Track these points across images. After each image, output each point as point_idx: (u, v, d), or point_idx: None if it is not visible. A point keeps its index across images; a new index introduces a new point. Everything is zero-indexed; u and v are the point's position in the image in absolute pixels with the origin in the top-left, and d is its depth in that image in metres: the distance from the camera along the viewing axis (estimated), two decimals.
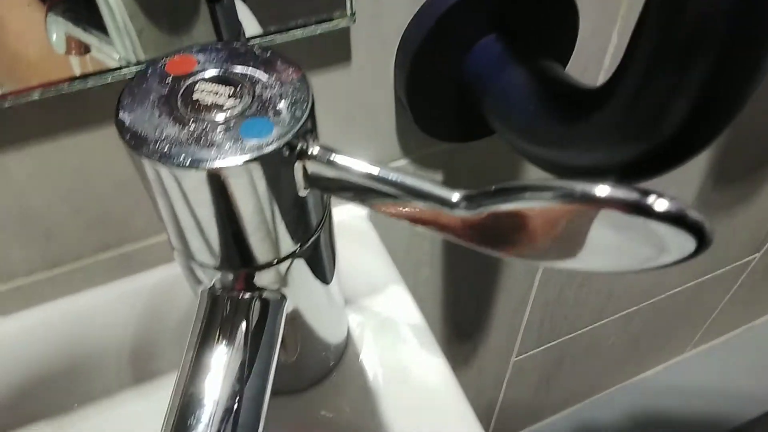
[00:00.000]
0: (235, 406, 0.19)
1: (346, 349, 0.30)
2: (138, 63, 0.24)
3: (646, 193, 0.15)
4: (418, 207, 0.19)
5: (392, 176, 0.18)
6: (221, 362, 0.19)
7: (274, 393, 0.28)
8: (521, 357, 0.68)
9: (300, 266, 0.22)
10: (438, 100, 0.31)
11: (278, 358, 0.27)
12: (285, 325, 0.25)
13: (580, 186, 0.15)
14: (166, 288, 0.32)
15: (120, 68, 0.24)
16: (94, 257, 0.30)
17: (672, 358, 0.94)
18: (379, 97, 0.31)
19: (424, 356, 0.30)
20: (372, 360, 0.30)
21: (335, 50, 0.28)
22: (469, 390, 0.69)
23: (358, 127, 0.32)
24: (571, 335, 0.69)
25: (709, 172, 0.54)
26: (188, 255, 0.20)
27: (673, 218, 0.15)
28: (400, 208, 0.19)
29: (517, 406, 0.80)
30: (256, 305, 0.21)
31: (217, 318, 0.20)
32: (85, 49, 0.24)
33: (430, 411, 0.28)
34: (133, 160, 0.18)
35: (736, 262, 0.74)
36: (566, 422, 0.89)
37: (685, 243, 0.15)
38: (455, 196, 0.17)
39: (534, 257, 0.18)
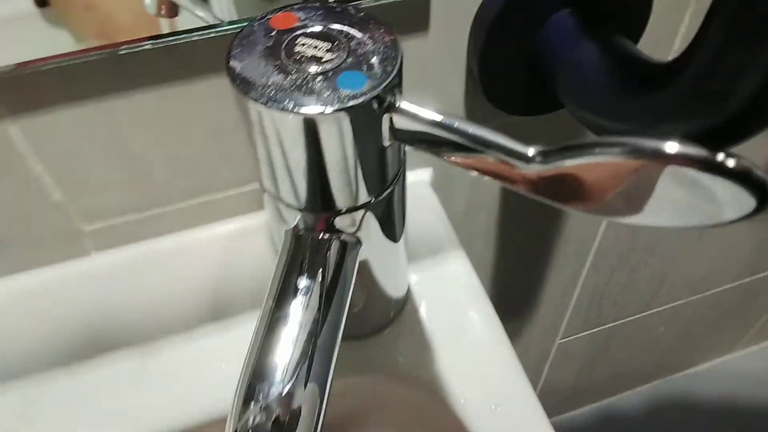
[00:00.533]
0: (315, 334, 0.21)
1: (405, 304, 0.32)
2: (231, 23, 0.26)
3: (714, 150, 0.16)
4: (490, 159, 0.20)
5: (471, 129, 0.20)
6: (302, 294, 0.22)
7: None
8: (566, 340, 0.68)
9: (374, 216, 0.24)
10: (509, 73, 0.32)
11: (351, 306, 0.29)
12: (359, 276, 0.28)
13: (649, 142, 0.17)
14: (244, 236, 0.35)
15: (215, 26, 0.26)
16: (182, 203, 0.33)
17: (720, 357, 0.93)
18: (451, 67, 0.32)
19: (479, 316, 0.32)
20: (429, 316, 0.32)
21: (415, 18, 0.29)
22: None
23: (428, 96, 0.33)
24: (618, 322, 0.69)
25: (766, 163, 0.53)
26: (277, 196, 0.23)
27: (738, 175, 0.16)
28: (472, 160, 0.21)
29: (558, 391, 0.81)
30: (334, 246, 0.23)
31: (299, 255, 0.23)
32: (173, 11, 0.26)
33: (482, 366, 0.30)
34: (240, 104, 0.20)
35: None
36: (605, 412, 0.89)
37: (747, 200, 0.16)
38: (531, 151, 0.19)
39: (600, 212, 0.19)
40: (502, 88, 0.33)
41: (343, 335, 0.31)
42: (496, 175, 0.21)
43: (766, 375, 0.94)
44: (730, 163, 0.16)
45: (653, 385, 0.91)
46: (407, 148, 0.23)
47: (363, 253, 0.26)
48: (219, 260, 0.34)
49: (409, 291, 0.32)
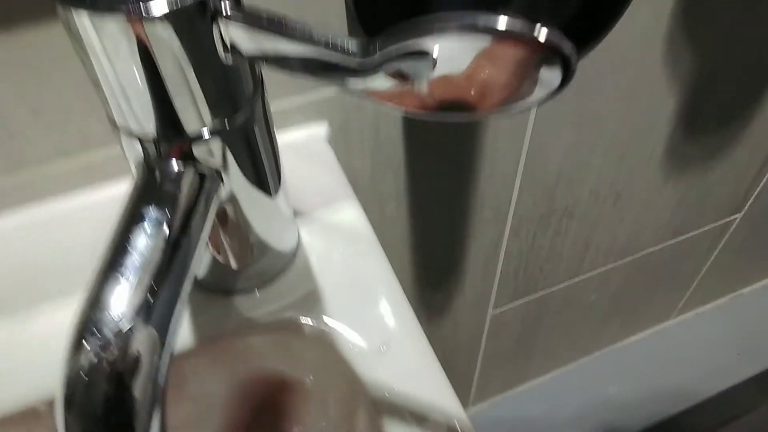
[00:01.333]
0: (163, 263, 0.20)
1: (295, 256, 0.31)
2: None
3: (532, 25, 0.16)
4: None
5: (301, 27, 0.19)
6: (148, 223, 0.21)
7: (220, 291, 0.30)
8: (499, 311, 0.69)
9: (234, 148, 0.23)
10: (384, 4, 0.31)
11: (226, 256, 0.28)
12: (229, 222, 0.27)
13: (482, 17, 0.17)
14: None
15: None
16: (58, 163, 0.32)
17: (655, 325, 0.95)
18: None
19: (370, 262, 0.31)
20: (320, 266, 0.31)
21: None
22: (447, 344, 0.70)
23: None
24: (548, 289, 0.70)
25: (678, 122, 0.54)
26: (123, 126, 0.22)
27: (549, 47, 0.16)
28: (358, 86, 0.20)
29: (500, 364, 0.81)
30: (188, 175, 0.22)
31: (148, 184, 0.22)
32: None
33: (371, 310, 0.29)
34: (63, 22, 0.19)
35: (714, 222, 0.75)
36: (550, 386, 0.90)
37: (555, 74, 0.16)
38: (362, 44, 0.18)
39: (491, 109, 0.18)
40: (378, 19, 0.32)
41: (230, 289, 0.30)
42: (381, 98, 0.20)
43: (703, 342, 0.96)
44: (542, 35, 0.16)
45: (594, 356, 0.92)
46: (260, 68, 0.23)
47: (235, 199, 0.25)
48: (101, 226, 0.33)
49: (300, 242, 0.32)
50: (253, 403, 0.32)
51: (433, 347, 0.73)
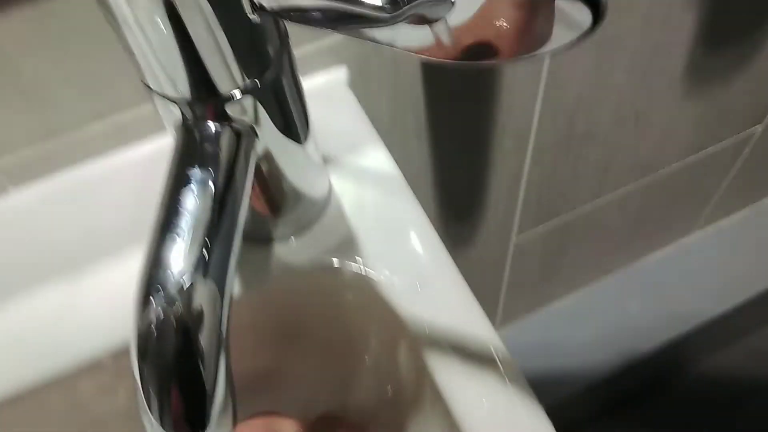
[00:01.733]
0: (212, 224, 0.21)
1: (327, 202, 0.32)
2: None
3: None
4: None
5: None
6: (195, 183, 0.21)
7: (258, 240, 0.31)
8: (522, 236, 0.70)
9: (266, 104, 0.24)
10: None
11: (263, 206, 0.29)
12: (265, 173, 0.27)
13: None
14: (160, 158, 0.34)
15: None
16: (92, 127, 0.32)
17: (675, 241, 0.96)
18: None
19: (401, 204, 0.32)
20: (351, 210, 0.32)
21: None
22: (473, 271, 0.72)
23: None
24: (570, 213, 0.70)
25: (699, 35, 0.53)
26: (158, 90, 0.22)
27: None
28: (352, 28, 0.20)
29: (524, 289, 0.83)
30: (226, 134, 0.23)
31: (189, 146, 0.22)
32: None
33: (406, 251, 0.31)
34: None
35: (736, 134, 0.74)
36: (573, 306, 0.93)
37: (585, 16, 0.16)
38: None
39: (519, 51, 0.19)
40: None
41: (267, 237, 0.31)
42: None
43: (722, 255, 0.97)
44: None
45: (614, 275, 0.94)
46: (285, 24, 0.23)
47: (266, 143, 0.26)
48: (138, 183, 0.34)
49: (330, 189, 0.33)
50: (297, 343, 0.34)
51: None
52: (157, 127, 0.34)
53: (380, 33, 0.21)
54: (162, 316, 0.19)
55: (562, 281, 0.88)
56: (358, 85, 0.39)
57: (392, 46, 0.21)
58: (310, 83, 0.37)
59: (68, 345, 0.29)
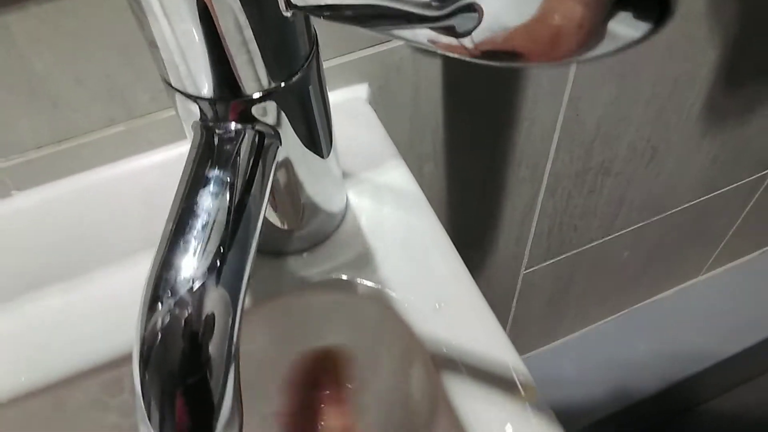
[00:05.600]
0: (228, 225, 0.20)
1: (344, 216, 0.31)
2: None
3: None
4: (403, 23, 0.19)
5: None
6: (213, 183, 0.21)
7: (272, 253, 0.30)
8: (531, 270, 0.69)
9: (289, 108, 0.23)
10: None
11: (279, 217, 0.28)
12: (283, 182, 0.27)
13: None
14: (172, 167, 0.33)
15: None
16: (101, 132, 0.32)
17: (684, 282, 0.95)
18: None
19: (420, 221, 0.31)
20: (369, 225, 0.31)
21: None
22: None
23: None
24: (581, 248, 0.69)
25: (719, 72, 0.53)
26: (180, 87, 0.21)
27: None
28: (388, 24, 0.20)
29: (530, 324, 0.82)
30: (248, 135, 0.22)
31: (208, 146, 0.21)
32: None
33: (424, 268, 0.29)
34: None
35: (749, 176, 0.73)
36: (580, 344, 0.91)
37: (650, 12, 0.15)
38: None
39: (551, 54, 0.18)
40: None
41: (281, 251, 0.30)
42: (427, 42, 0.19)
43: (730, 298, 0.95)
44: None
45: (623, 314, 0.92)
46: (314, 20, 0.22)
47: (287, 151, 0.25)
48: (148, 192, 0.33)
49: (348, 203, 0.32)
50: (307, 362, 0.32)
51: None
52: (170, 136, 0.33)
53: (412, 31, 0.20)
54: (170, 320, 0.18)
55: (569, 318, 0.86)
56: (379, 103, 0.38)
57: (418, 44, 0.20)
58: (332, 98, 0.36)
59: (66, 352, 0.28)
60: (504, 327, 0.79)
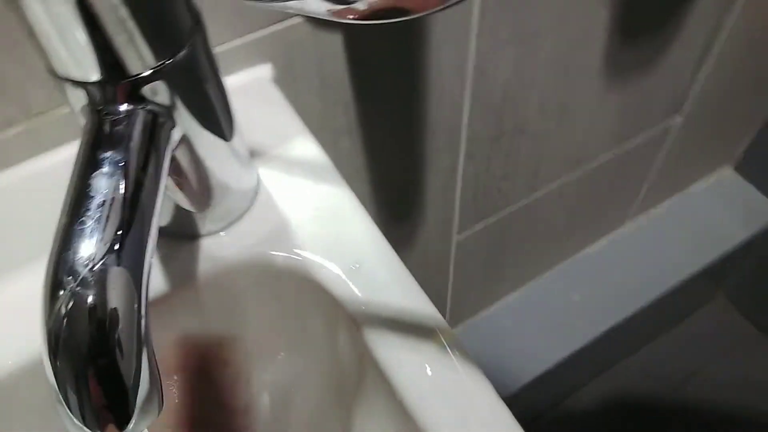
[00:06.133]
0: (127, 204, 0.20)
1: (257, 192, 0.32)
2: None
3: None
4: None
5: None
6: (106, 164, 0.21)
7: (187, 236, 0.30)
8: (463, 235, 0.71)
9: (182, 85, 0.23)
10: None
11: (189, 200, 0.29)
12: (188, 165, 0.27)
13: None
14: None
15: None
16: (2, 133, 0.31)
17: (612, 231, 0.99)
18: None
19: (332, 189, 0.32)
20: (281, 200, 0.32)
21: None
22: (416, 273, 0.72)
23: None
24: (508, 209, 0.72)
25: (614, 29, 0.56)
26: (65, 74, 0.21)
27: None
28: None
29: (470, 287, 0.84)
30: (140, 116, 0.22)
31: (99, 128, 0.22)
32: None
33: (339, 233, 0.30)
34: None
35: (657, 124, 0.78)
36: (519, 302, 0.94)
37: None
38: None
39: None
40: None
41: (196, 233, 0.30)
42: None
43: (656, 242, 1.01)
44: None
45: (557, 268, 0.96)
46: None
47: (190, 142, 0.25)
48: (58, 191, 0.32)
49: (259, 180, 0.32)
50: (234, 337, 0.33)
51: None
52: (74, 132, 0.33)
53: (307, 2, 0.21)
54: (73, 303, 0.18)
55: (507, 277, 0.90)
56: (285, 82, 0.38)
57: (315, 14, 0.21)
58: (236, 80, 0.36)
59: None
60: (445, 293, 0.81)
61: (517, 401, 0.89)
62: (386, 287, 0.29)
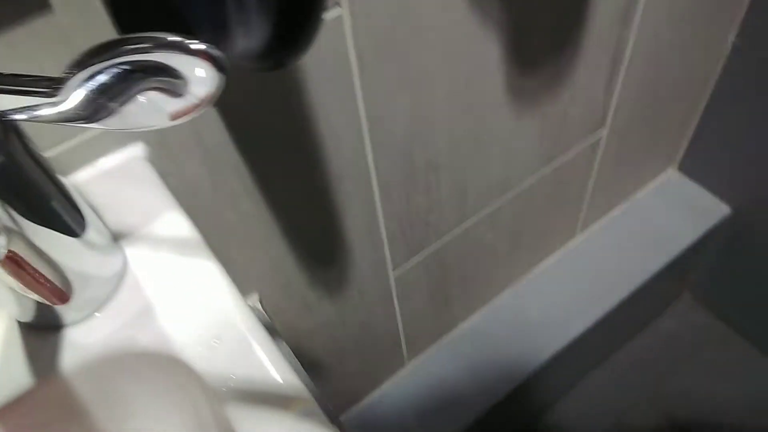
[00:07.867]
0: None
1: (124, 275, 0.33)
2: None
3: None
4: None
5: None
6: None
7: (53, 328, 0.31)
8: (400, 270, 0.72)
9: (8, 196, 0.24)
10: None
11: (45, 297, 0.29)
12: (38, 263, 0.28)
13: (170, 36, 0.19)
14: None
15: None
16: None
17: (562, 246, 1.01)
18: None
19: (198, 264, 0.33)
20: (149, 280, 0.32)
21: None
22: (360, 313, 0.73)
23: None
24: (441, 240, 0.73)
25: (510, 60, 0.57)
26: None
27: (200, 52, 0.18)
28: None
29: (422, 319, 0.85)
30: None
31: None
32: None
33: (201, 309, 0.31)
34: None
35: (583, 141, 0.79)
36: (477, 325, 0.95)
37: (213, 74, 0.18)
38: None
39: None
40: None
41: (59, 324, 0.31)
42: None
43: (610, 248, 1.02)
44: (197, 45, 0.18)
45: (514, 287, 0.97)
46: None
47: (38, 247, 0.26)
48: None
49: (125, 263, 0.33)
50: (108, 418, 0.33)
51: (346, 319, 0.74)
52: None
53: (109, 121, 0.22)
54: None
55: (459, 304, 0.90)
56: (162, 157, 0.40)
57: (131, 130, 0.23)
58: (108, 161, 0.37)
59: None
60: (396, 328, 0.82)
61: (488, 419, 0.89)
62: (246, 360, 0.29)
